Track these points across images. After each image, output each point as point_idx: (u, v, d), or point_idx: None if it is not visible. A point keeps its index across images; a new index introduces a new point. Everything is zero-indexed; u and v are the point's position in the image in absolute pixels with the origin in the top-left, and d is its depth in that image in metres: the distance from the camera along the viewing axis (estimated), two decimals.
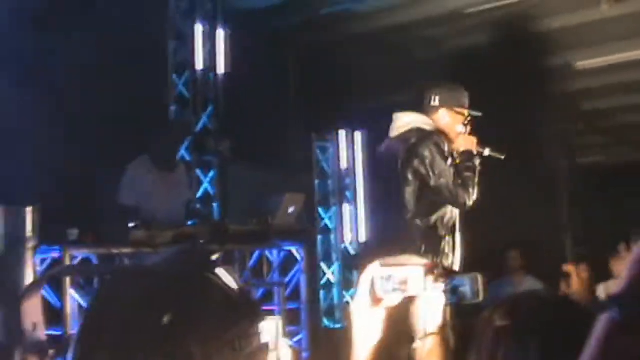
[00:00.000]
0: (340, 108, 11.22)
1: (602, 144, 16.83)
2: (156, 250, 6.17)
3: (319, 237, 10.36)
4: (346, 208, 10.59)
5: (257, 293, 8.14)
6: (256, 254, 7.90)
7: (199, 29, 8.84)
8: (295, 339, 8.15)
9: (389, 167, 5.37)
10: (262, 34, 9.86)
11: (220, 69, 8.96)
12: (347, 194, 10.61)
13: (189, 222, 7.31)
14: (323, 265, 10.37)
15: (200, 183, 8.93)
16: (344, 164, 10.61)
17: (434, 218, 5.22)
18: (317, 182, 10.47)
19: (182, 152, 8.55)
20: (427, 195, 5.21)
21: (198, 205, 8.46)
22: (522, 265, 10.03)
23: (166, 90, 8.72)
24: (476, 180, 5.20)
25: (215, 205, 8.95)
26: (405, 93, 12.58)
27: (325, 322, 10.24)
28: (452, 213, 5.29)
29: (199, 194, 8.85)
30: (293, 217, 8.12)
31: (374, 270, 2.15)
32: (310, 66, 10.26)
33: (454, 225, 5.31)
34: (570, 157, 15.32)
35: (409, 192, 5.22)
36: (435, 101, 5.50)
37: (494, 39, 10.85)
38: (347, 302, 10.45)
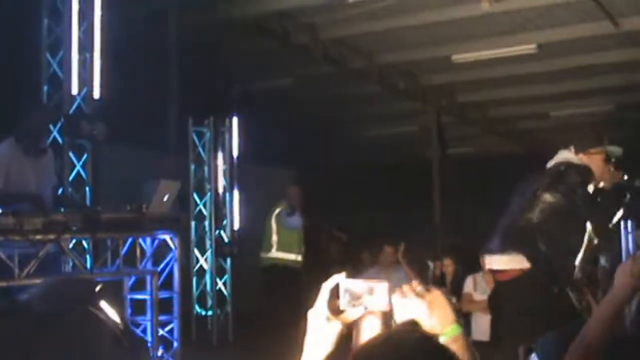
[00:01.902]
0: (219, 92, 11.13)
1: (473, 135, 17.27)
2: (26, 239, 5.96)
3: (193, 223, 10.25)
4: (221, 194, 10.50)
5: (130, 281, 8.00)
6: (129, 242, 7.74)
7: (74, 6, 8.53)
8: (167, 328, 8.04)
9: None
10: (142, 14, 9.66)
11: (97, 49, 8.70)
12: (223, 180, 10.52)
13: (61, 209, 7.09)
14: (196, 252, 10.27)
15: (72, 167, 8.67)
16: (220, 150, 10.51)
17: None
18: (192, 167, 10.34)
19: (55, 134, 8.28)
20: None
21: (70, 190, 8.23)
22: (396, 260, 10.20)
23: (39, 69, 8.40)
24: None
25: (87, 189, 8.72)
26: (284, 78, 12.71)
27: (197, 309, 10.16)
28: None
29: (70, 178, 8.60)
30: (167, 204, 7.99)
31: (339, 281, 2.11)
32: (191, 49, 10.10)
33: None
34: (442, 148, 15.66)
35: None
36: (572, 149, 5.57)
37: (372, 28, 10.95)
38: (219, 290, 10.41)
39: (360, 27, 10.91)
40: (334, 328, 2.11)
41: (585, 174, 5.32)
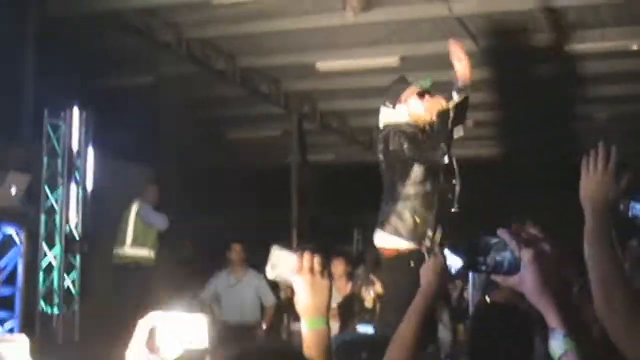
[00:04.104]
0: (76, 86, 10.87)
1: (334, 144, 17.43)
2: None
3: (43, 217, 9.95)
4: (73, 189, 10.23)
5: None
6: None
7: None
8: (7, 325, 7.80)
9: None
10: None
11: None
12: (76, 174, 10.26)
13: None
14: (45, 247, 9.97)
15: None
16: (75, 144, 10.25)
17: None
18: (45, 160, 10.03)
19: None
20: None
21: None
22: (244, 259, 10.23)
23: None
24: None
25: None
26: (144, 76, 12.51)
27: (43, 306, 9.86)
28: None
29: None
30: (15, 197, 7.76)
31: (156, 318, 2.06)
32: (50, 40, 9.82)
33: None
34: (302, 154, 15.77)
35: None
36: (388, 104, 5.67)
37: (237, 31, 10.91)
38: (67, 287, 10.15)
39: (225, 29, 10.86)
40: None
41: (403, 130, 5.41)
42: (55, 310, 9.93)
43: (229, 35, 11.18)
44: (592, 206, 2.48)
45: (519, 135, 15.83)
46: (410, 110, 5.55)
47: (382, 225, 5.54)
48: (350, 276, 9.68)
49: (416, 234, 5.40)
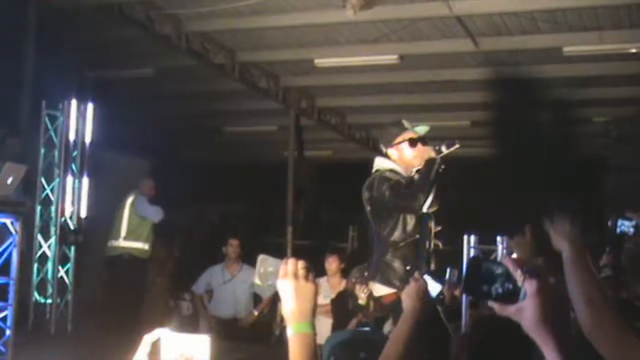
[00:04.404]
0: (75, 77, 10.86)
1: (331, 139, 17.45)
2: None
3: (39, 208, 9.96)
4: (69, 180, 10.24)
5: None
6: None
7: None
8: (1, 315, 7.79)
9: None
10: None
11: None
12: (73, 166, 10.27)
13: None
14: (40, 238, 9.99)
15: None
16: (72, 135, 10.25)
17: None
18: (42, 151, 10.04)
19: None
20: None
21: None
22: (240, 254, 10.24)
23: None
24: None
25: None
26: (143, 68, 12.52)
27: (36, 296, 9.88)
28: None
29: None
30: (11, 187, 7.76)
31: (161, 334, 2.08)
32: (49, 31, 9.82)
33: None
34: (299, 150, 15.77)
35: None
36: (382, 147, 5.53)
37: (237, 25, 10.91)
38: (61, 278, 10.16)
39: (225, 23, 10.86)
40: None
41: (387, 177, 5.35)
42: (49, 301, 9.94)
43: (228, 29, 11.19)
44: (567, 243, 2.61)
45: (516, 136, 15.86)
46: (401, 155, 5.43)
47: (373, 278, 5.48)
48: (344, 273, 9.68)
49: (408, 279, 5.32)
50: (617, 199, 12.30)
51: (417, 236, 5.34)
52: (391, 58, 11.75)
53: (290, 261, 2.32)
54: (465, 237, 8.89)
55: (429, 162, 5.21)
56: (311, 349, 2.26)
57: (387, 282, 5.35)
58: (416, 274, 3.55)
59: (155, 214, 10.39)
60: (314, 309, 2.31)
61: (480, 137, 16.46)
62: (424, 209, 5.19)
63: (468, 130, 15.85)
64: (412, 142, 5.36)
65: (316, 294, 2.33)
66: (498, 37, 10.86)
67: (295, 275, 2.30)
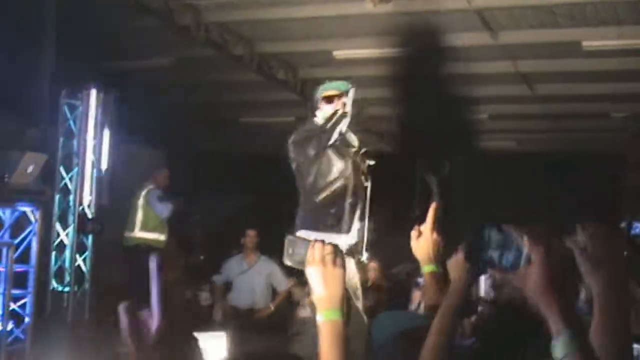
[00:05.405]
0: (94, 67, 10.91)
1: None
2: None
3: (57, 196, 10.03)
4: (88, 170, 10.30)
5: None
6: None
7: None
8: (20, 303, 7.87)
9: None
10: None
11: None
12: (91, 155, 10.32)
13: None
14: (58, 226, 10.05)
15: None
16: (91, 125, 10.30)
17: None
18: (61, 140, 10.11)
19: None
20: None
21: None
22: (257, 245, 10.29)
23: None
24: None
25: None
26: (161, 59, 12.54)
27: (54, 284, 9.95)
28: None
29: None
30: (31, 176, 7.82)
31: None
32: (69, 22, 9.84)
33: None
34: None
35: None
36: None
37: (256, 16, 10.91)
38: (79, 266, 10.23)
39: (244, 14, 10.85)
40: None
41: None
42: (66, 289, 10.01)
43: (247, 20, 11.18)
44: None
45: (536, 129, 15.83)
46: (323, 114, 6.40)
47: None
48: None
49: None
50: (636, 196, 12.27)
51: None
52: (410, 51, 11.71)
53: (317, 246, 2.30)
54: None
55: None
56: (341, 336, 2.25)
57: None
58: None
59: (162, 210, 10.44)
60: (343, 295, 2.30)
61: (498, 131, 16.43)
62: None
63: (486, 123, 15.83)
64: (329, 98, 6.45)
65: (344, 279, 2.32)
66: (517, 31, 10.83)
67: (323, 261, 2.29)
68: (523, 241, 1.89)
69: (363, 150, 6.36)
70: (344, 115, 6.33)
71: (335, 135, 6.24)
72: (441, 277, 2.98)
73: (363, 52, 12.04)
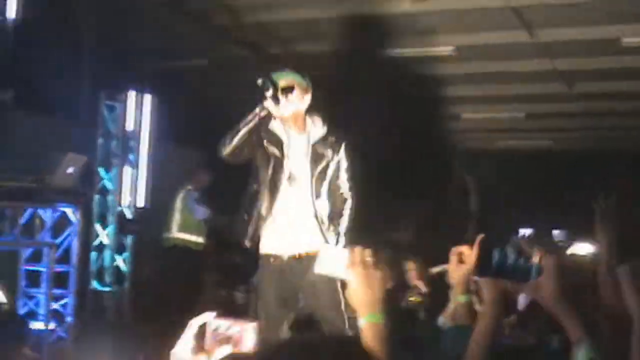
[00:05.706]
0: (133, 68, 10.99)
1: None
2: None
3: (96, 197, 10.12)
4: (127, 171, 10.38)
5: (26, 252, 7.87)
6: (28, 212, 7.61)
7: None
8: (62, 302, 7.96)
9: None
10: None
11: (11, 13, 8.47)
12: (130, 156, 10.40)
13: None
14: (97, 227, 10.14)
15: None
16: (130, 126, 10.38)
17: None
18: (100, 141, 10.19)
19: None
20: None
21: None
22: None
23: None
24: None
25: None
26: (200, 59, 12.60)
27: (95, 284, 10.05)
28: None
29: None
30: (72, 177, 7.90)
31: (207, 319, 2.12)
32: (107, 22, 9.95)
33: None
34: None
35: None
36: None
37: (294, 16, 10.93)
38: (118, 266, 10.30)
39: (281, 14, 10.87)
40: None
41: None
42: (107, 289, 10.10)
43: (284, 20, 11.20)
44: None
45: (573, 127, 15.72)
46: None
47: None
48: None
49: None
50: None
51: None
52: (447, 49, 11.68)
53: (357, 250, 2.30)
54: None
55: None
56: (383, 339, 2.23)
57: None
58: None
59: (199, 213, 10.51)
60: (382, 296, 2.29)
61: (535, 130, 16.34)
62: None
63: (522, 122, 15.74)
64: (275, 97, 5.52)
65: (383, 281, 2.32)
66: (555, 29, 10.75)
67: (364, 264, 2.29)
68: (534, 254, 1.91)
69: None
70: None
71: None
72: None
73: (400, 51, 11.99)
